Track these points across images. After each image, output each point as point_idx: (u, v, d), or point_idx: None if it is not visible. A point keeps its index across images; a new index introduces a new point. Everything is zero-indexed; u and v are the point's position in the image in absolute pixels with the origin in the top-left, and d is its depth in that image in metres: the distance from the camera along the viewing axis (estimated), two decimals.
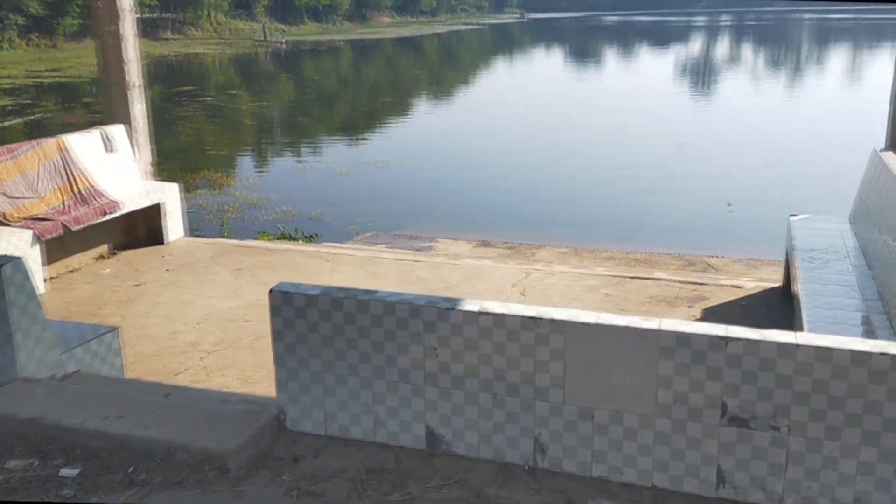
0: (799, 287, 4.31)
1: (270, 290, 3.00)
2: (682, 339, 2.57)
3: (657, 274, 6.12)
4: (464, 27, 65.61)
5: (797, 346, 2.47)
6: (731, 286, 5.80)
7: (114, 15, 6.89)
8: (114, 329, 3.94)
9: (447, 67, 42.18)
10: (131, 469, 2.84)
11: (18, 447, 2.99)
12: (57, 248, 6.07)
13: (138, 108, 7.15)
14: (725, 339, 2.53)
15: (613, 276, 6.06)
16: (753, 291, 5.70)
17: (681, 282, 5.89)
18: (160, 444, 2.90)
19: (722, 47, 52.96)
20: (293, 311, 2.97)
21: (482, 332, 2.77)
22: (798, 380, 2.49)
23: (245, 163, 16.98)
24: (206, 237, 8.38)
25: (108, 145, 6.65)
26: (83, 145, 6.42)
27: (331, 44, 51.33)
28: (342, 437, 3.04)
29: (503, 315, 2.74)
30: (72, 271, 6.17)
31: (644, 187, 14.37)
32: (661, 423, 2.66)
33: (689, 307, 5.41)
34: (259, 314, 5.29)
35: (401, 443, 2.98)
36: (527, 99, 27.83)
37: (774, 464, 2.57)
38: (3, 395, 3.25)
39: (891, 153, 5.29)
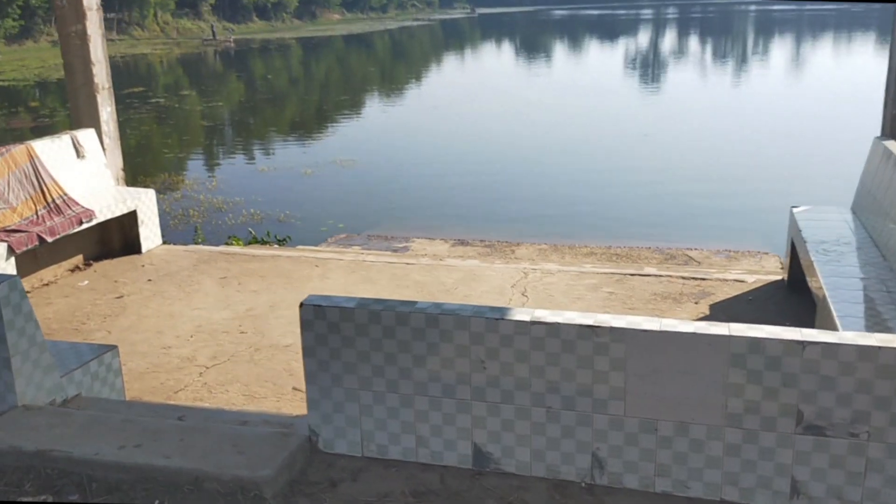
0: (819, 282, 4.22)
1: (301, 304, 2.79)
2: (755, 344, 2.42)
3: (658, 270, 6.00)
4: (414, 23, 65.30)
5: (878, 348, 2.34)
6: (734, 280, 5.72)
7: (80, 14, 6.56)
8: (113, 348, 3.69)
9: (400, 64, 41.88)
10: (157, 502, 2.62)
11: (28, 483, 2.74)
12: (30, 260, 5.75)
13: (107, 112, 6.83)
14: (802, 344, 2.39)
15: (613, 273, 5.93)
16: (757, 286, 5.62)
17: (682, 278, 5.79)
18: (186, 474, 2.68)
19: (671, 40, 53.50)
20: (326, 325, 2.77)
21: (535, 343, 2.60)
22: (878, 384, 2.36)
23: (205, 165, 16.56)
24: (179, 244, 8.10)
25: (78, 151, 6.33)
26: (53, 152, 6.10)
27: (280, 42, 50.64)
28: (381, 458, 2.85)
29: (557, 324, 2.57)
30: (46, 284, 5.85)
31: (614, 180, 14.36)
32: (730, 434, 2.52)
33: (696, 303, 5.31)
34: (254, 325, 5.06)
35: (445, 462, 2.80)
36: (484, 95, 27.70)
37: (853, 472, 2.44)
38: (5, 425, 2.99)
39: (893, 141, 5.25)
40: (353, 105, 26.57)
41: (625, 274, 5.90)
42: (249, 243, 9.52)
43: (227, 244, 9.52)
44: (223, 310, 5.33)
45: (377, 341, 2.74)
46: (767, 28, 59.19)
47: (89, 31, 6.61)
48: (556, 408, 2.64)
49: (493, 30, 63.40)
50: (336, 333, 2.76)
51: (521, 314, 2.63)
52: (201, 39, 49.30)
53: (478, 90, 28.74)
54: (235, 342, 4.80)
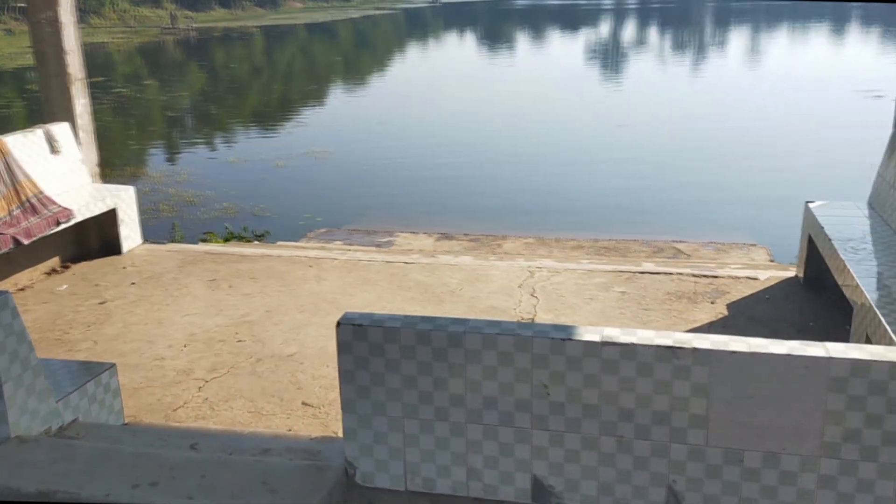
0: (856, 283, 4.01)
1: (338, 324, 2.49)
2: (859, 367, 2.18)
3: (668, 268, 5.78)
4: (377, 12, 64.56)
5: None
6: (747, 278, 5.52)
7: (51, 0, 6.15)
8: (111, 366, 3.35)
9: (365, 53, 41.36)
10: None
11: None
12: (3, 264, 5.36)
13: (82, 104, 6.43)
14: None
15: (622, 271, 5.70)
16: (770, 283, 5.43)
17: (694, 275, 5.57)
18: None
19: (635, 30, 53.57)
20: (367, 347, 2.47)
21: (606, 366, 2.34)
22: None
23: (172, 157, 16.06)
24: (155, 241, 7.72)
25: (53, 146, 5.93)
26: (26, 147, 5.69)
27: (243, 30, 49.69)
28: (427, 493, 2.56)
29: (633, 345, 2.31)
30: (22, 289, 5.45)
31: (594, 171, 14.17)
32: (826, 465, 2.28)
33: (713, 303, 5.09)
34: (252, 332, 4.73)
35: (500, 497, 2.52)
36: (453, 85, 27.38)
37: None
38: None
39: None
40: (321, 95, 26.10)
41: (634, 272, 5.67)
42: (226, 239, 9.16)
43: (202, 240, 9.16)
44: (216, 315, 5.00)
45: (426, 365, 2.45)
46: (726, 18, 59.58)
47: (62, 19, 6.20)
48: (629, 437, 2.38)
49: (456, 19, 63.00)
50: (379, 356, 2.47)
51: (590, 333, 2.36)
52: (161, 28, 48.23)
53: (446, 80, 28.43)
54: (234, 352, 4.48)
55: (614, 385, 2.34)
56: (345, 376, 2.52)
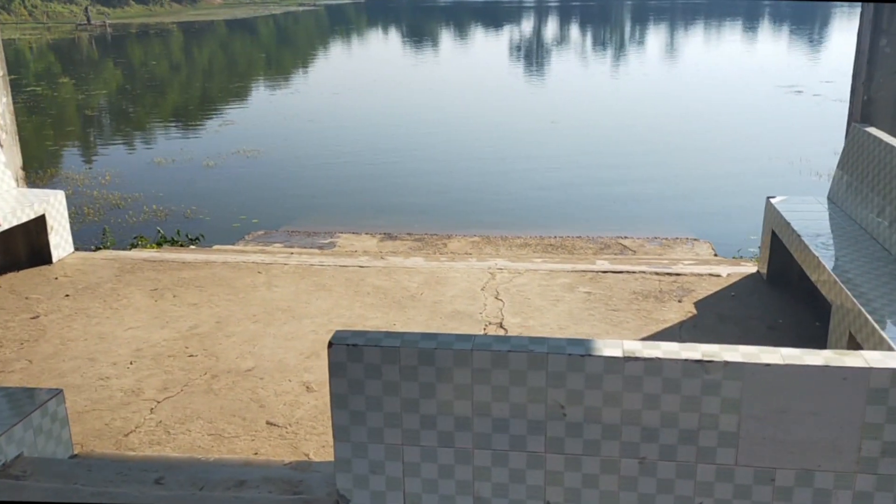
0: (833, 279, 3.93)
1: (330, 344, 2.24)
2: None
3: (631, 267, 5.66)
4: (299, 8, 63.63)
5: None
6: (709, 275, 5.43)
7: None
8: (58, 393, 3.02)
9: (287, 50, 40.60)
10: None
11: None
12: None
13: (2, 103, 5.97)
14: None
15: (585, 271, 5.55)
16: (734, 280, 5.35)
17: (657, 273, 5.46)
18: None
19: (556, 28, 54.03)
20: (363, 369, 2.23)
21: (628, 383, 2.15)
22: None
23: (94, 158, 15.36)
24: (90, 250, 7.28)
25: None
26: None
27: (160, 27, 48.29)
28: None
29: (658, 360, 2.12)
30: None
31: (532, 168, 14.08)
32: (862, 481, 2.13)
33: (680, 301, 4.98)
34: (202, 346, 4.41)
35: None
36: (380, 83, 27.06)
37: None
38: None
39: (871, 127, 5.06)
40: (244, 92, 25.47)
41: (597, 272, 5.53)
42: (158, 243, 8.74)
43: (132, 245, 8.71)
44: (161, 328, 4.65)
45: (429, 386, 2.22)
46: (644, 16, 60.63)
47: None
48: (652, 458, 2.19)
49: (379, 16, 62.56)
50: (376, 378, 2.23)
51: (610, 348, 2.17)
52: (75, 24, 46.50)
53: (373, 77, 28.07)
54: (185, 368, 4.15)
55: (637, 403, 2.15)
56: (337, 401, 2.27)
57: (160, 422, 3.64)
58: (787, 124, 17.90)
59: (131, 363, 4.21)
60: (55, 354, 4.32)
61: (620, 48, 39.36)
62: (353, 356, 2.22)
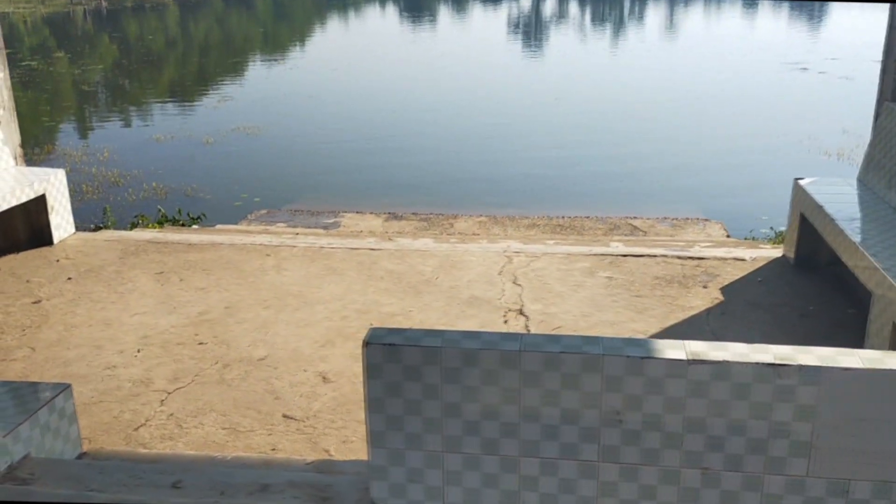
0: (875, 266, 3.76)
1: (365, 343, 2.07)
2: None
3: (650, 250, 5.49)
4: None
5: None
6: (733, 259, 5.26)
7: None
8: (66, 388, 2.85)
9: (284, 25, 40.13)
10: None
11: None
12: None
13: (0, 78, 5.75)
14: None
15: (603, 254, 5.37)
16: (759, 265, 5.18)
17: (679, 257, 5.29)
18: None
19: (553, 2, 53.51)
20: (401, 370, 2.06)
21: (693, 388, 1.98)
22: None
23: (91, 134, 15.11)
24: (90, 230, 7.11)
25: None
26: None
27: (156, 1, 47.71)
28: None
29: (726, 363, 1.95)
30: None
31: (538, 146, 13.87)
32: None
33: (705, 287, 4.81)
34: (212, 333, 4.24)
35: None
36: (380, 58, 26.72)
37: None
38: None
39: None
40: (242, 68, 25.13)
41: (616, 255, 5.36)
42: (159, 222, 8.55)
43: (132, 225, 8.53)
44: (169, 314, 4.48)
45: (473, 390, 2.05)
46: None
47: None
48: (716, 469, 2.03)
49: None
50: (416, 381, 2.06)
51: (673, 350, 2.00)
52: None
53: (372, 53, 27.73)
54: (196, 357, 3.98)
55: (702, 410, 1.99)
56: (373, 405, 2.10)
57: (171, 414, 3.48)
58: (793, 102, 17.67)
59: (139, 351, 4.04)
60: (59, 342, 4.15)
61: (620, 24, 38.93)
62: (390, 356, 2.05)
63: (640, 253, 5.37)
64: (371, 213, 9.90)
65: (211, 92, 20.35)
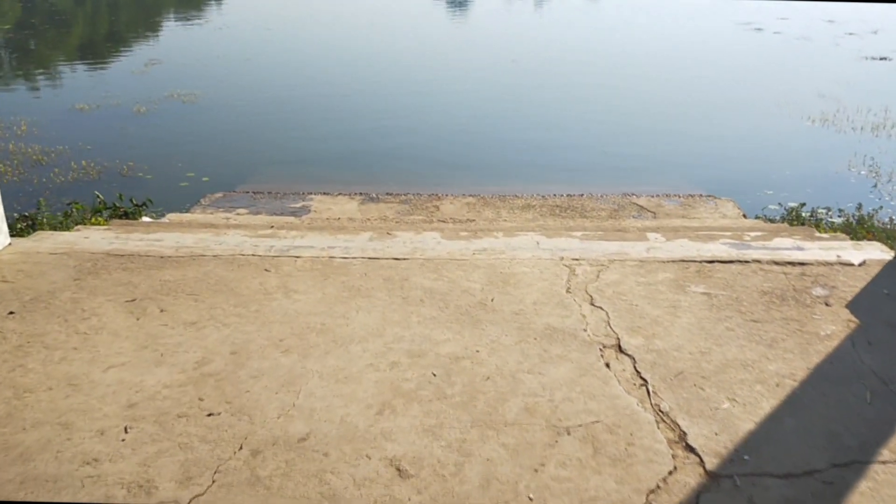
0: None
1: None
2: None
3: (735, 253, 4.53)
4: None
5: None
6: (839, 264, 4.37)
7: None
8: None
9: None
10: None
11: None
12: None
13: None
14: None
15: (681, 261, 4.41)
16: (875, 270, 4.29)
17: (775, 263, 4.36)
18: None
19: None
20: None
21: None
22: None
23: (3, 104, 13.40)
24: (21, 235, 5.84)
25: None
26: None
27: None
28: None
29: None
30: None
31: (509, 114, 12.84)
32: None
33: (828, 305, 3.90)
34: (223, 394, 3.10)
35: None
36: (312, 18, 25.14)
37: None
38: None
39: None
40: (161, 27, 23.27)
41: (696, 261, 4.40)
42: (97, 210, 7.26)
43: (65, 214, 7.23)
44: (157, 366, 3.32)
45: None
46: None
47: None
48: None
49: None
50: None
51: None
52: None
53: (298, 11, 26.10)
54: (210, 439, 2.85)
55: None
56: None
57: None
58: (761, 65, 17.03)
59: (127, 431, 2.89)
60: (8, 417, 2.96)
61: None
62: None
63: (729, 258, 4.42)
64: (340, 194, 8.77)
65: (130, 54, 18.61)
